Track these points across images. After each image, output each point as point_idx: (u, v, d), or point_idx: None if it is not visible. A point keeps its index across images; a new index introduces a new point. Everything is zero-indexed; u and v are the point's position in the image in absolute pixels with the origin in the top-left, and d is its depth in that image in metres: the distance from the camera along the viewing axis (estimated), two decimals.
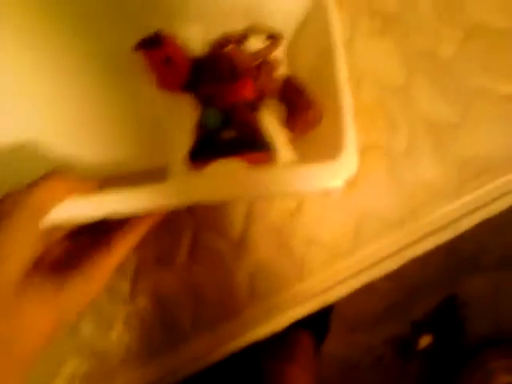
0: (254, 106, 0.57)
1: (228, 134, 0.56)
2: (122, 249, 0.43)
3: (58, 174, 0.39)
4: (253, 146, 0.54)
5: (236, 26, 0.59)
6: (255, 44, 0.61)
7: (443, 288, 0.88)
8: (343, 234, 0.64)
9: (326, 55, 0.54)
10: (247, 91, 0.55)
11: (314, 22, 0.57)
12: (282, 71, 0.60)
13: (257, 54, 0.56)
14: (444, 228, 0.63)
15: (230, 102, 0.55)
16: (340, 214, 0.64)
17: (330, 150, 0.53)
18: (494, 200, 0.62)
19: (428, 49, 0.69)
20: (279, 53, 0.58)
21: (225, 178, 0.46)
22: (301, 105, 0.56)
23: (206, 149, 0.56)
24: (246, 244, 0.63)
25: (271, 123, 0.55)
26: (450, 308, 0.95)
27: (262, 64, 0.57)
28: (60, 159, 0.57)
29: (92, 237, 0.44)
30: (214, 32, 0.60)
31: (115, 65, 0.58)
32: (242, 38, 0.58)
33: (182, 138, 0.56)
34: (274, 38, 0.57)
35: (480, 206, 0.62)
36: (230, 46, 0.60)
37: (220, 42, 0.58)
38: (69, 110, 0.57)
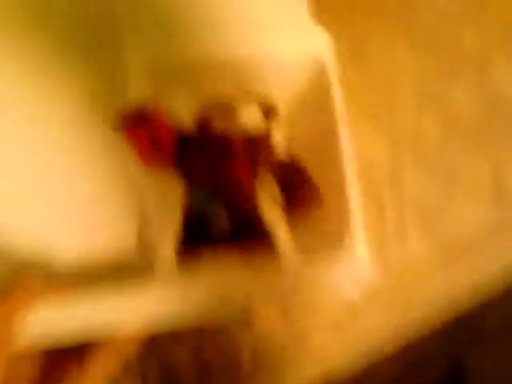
0: (248, 188, 0.51)
1: (220, 219, 0.50)
2: (95, 375, 0.36)
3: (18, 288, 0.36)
4: (249, 232, 0.48)
5: (225, 90, 0.54)
6: (247, 115, 0.55)
7: (446, 358, 0.83)
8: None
9: (329, 137, 0.50)
10: (241, 173, 0.50)
11: (315, 96, 0.52)
12: (278, 148, 0.54)
13: (251, 129, 0.51)
14: (434, 305, 0.62)
15: (222, 185, 0.49)
16: None
17: (333, 242, 0.48)
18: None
19: (414, 131, 0.67)
20: (274, 128, 0.53)
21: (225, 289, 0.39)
22: (300, 185, 0.51)
23: (196, 235, 0.49)
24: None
25: (268, 206, 0.49)
26: (455, 379, 0.90)
27: (257, 140, 0.51)
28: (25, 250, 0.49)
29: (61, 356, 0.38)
30: (202, 98, 0.54)
31: (93, 140, 0.51)
32: (232, 106, 0.53)
33: (169, 223, 0.49)
34: (269, 111, 0.51)
35: (468, 282, 0.62)
36: (219, 119, 0.54)
37: (207, 110, 0.52)
38: (38, 191, 0.50)
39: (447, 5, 0.67)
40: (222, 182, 0.49)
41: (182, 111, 0.54)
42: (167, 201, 0.49)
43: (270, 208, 0.49)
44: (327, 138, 0.50)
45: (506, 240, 0.64)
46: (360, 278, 0.48)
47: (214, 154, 0.48)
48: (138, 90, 0.50)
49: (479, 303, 0.66)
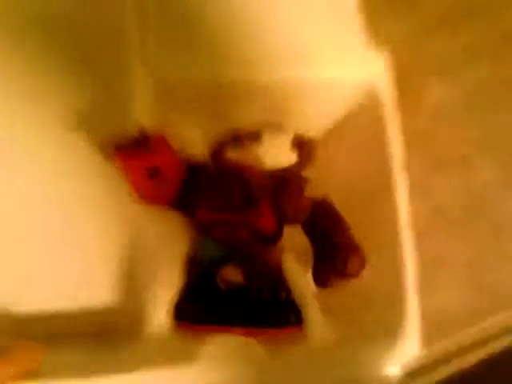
0: (270, 242, 0.39)
1: (231, 282, 0.39)
2: None
3: None
4: (271, 313, 0.36)
5: (248, 119, 0.42)
6: (273, 146, 0.44)
7: None
8: None
9: (380, 177, 0.38)
10: (266, 222, 0.38)
11: (364, 131, 0.40)
12: (309, 191, 0.42)
13: (277, 165, 0.39)
14: None
15: (238, 235, 0.38)
16: None
17: (381, 323, 0.35)
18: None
19: None
20: (308, 164, 0.41)
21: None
22: (337, 243, 0.39)
23: (199, 301, 0.38)
24: None
25: (296, 272, 0.38)
26: None
27: (286, 182, 0.40)
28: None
29: None
30: (215, 129, 0.42)
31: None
32: (253, 137, 0.41)
33: (166, 280, 0.37)
34: (303, 144, 0.40)
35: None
36: (238, 150, 0.43)
37: (222, 143, 0.41)
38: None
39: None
40: (238, 229, 0.38)
41: (194, 140, 0.43)
42: (168, 249, 0.38)
43: (299, 275, 0.37)
44: (377, 184, 0.38)
45: None
46: (407, 359, 0.36)
47: (233, 196, 0.36)
48: (143, 112, 0.40)
49: None
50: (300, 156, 0.40)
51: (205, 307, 0.37)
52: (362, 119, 0.41)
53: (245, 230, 0.38)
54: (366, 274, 0.39)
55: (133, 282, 0.40)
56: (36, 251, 0.39)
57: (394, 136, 0.39)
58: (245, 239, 0.38)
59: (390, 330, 0.36)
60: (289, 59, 0.39)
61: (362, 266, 0.39)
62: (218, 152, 0.41)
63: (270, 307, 0.36)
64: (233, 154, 0.43)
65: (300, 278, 0.37)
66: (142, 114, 0.41)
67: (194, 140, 0.42)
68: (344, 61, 0.40)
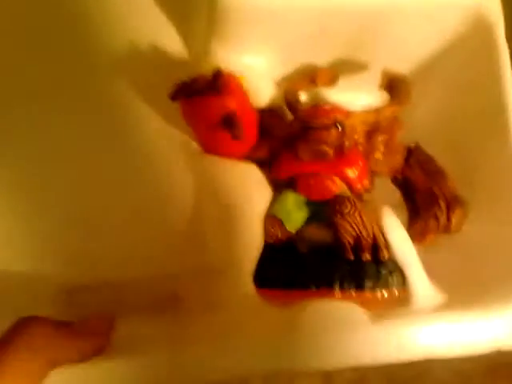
0: (361, 198, 0.35)
1: (315, 242, 0.34)
2: None
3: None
4: (364, 273, 0.32)
5: (319, 57, 0.36)
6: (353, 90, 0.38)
7: None
8: None
9: (488, 119, 0.32)
10: (358, 175, 0.33)
11: (466, 59, 0.34)
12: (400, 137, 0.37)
13: (369, 113, 0.34)
14: None
15: (327, 192, 0.33)
16: None
17: (493, 285, 0.31)
18: None
19: None
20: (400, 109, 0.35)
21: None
22: (438, 195, 0.34)
23: (280, 264, 0.33)
24: None
25: (398, 228, 0.33)
26: None
27: (375, 131, 0.34)
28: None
29: None
30: (287, 66, 0.37)
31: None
32: (330, 79, 0.36)
33: (245, 241, 0.33)
34: (395, 82, 0.34)
35: None
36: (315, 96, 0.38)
37: (296, 87, 0.35)
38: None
39: None
40: (327, 184, 0.33)
41: (264, 81, 0.37)
42: (245, 206, 0.33)
43: (401, 232, 0.33)
44: (484, 127, 0.33)
45: None
46: None
47: (323, 145, 0.31)
48: (209, 47, 0.34)
49: None
50: (393, 96, 0.34)
51: (290, 270, 0.32)
52: (466, 49, 0.35)
53: (335, 183, 0.32)
54: (471, 228, 0.34)
55: (206, 242, 0.36)
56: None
57: (504, 68, 0.33)
58: (335, 193, 0.32)
59: (506, 292, 0.31)
60: None
61: (465, 219, 0.34)
62: (293, 97, 0.35)
63: (369, 268, 0.31)
64: (309, 100, 0.38)
65: (402, 234, 0.32)
66: (205, 54, 0.36)
67: (264, 84, 0.37)
68: None
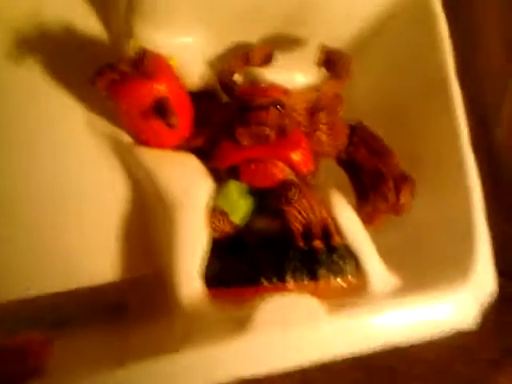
0: (307, 181, 0.33)
1: (262, 232, 0.32)
2: None
3: None
4: (317, 260, 0.30)
5: (254, 34, 0.35)
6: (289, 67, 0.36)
7: None
8: None
9: (429, 90, 0.32)
10: (302, 158, 0.31)
11: (404, 31, 0.33)
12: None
13: (309, 91, 0.32)
14: None
15: (271, 178, 0.31)
16: None
17: (446, 263, 0.30)
18: None
19: None
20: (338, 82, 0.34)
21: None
22: (385, 173, 0.33)
23: (230, 261, 0.31)
24: None
25: (348, 211, 0.31)
26: None
27: (317, 109, 0.33)
28: None
29: None
30: (219, 45, 0.35)
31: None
32: (265, 57, 0.33)
33: (190, 240, 0.30)
34: (334, 58, 0.32)
35: None
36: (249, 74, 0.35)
37: (231, 68, 0.33)
38: None
39: None
40: (269, 169, 0.31)
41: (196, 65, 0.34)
42: (187, 200, 0.30)
43: (351, 215, 0.31)
44: (427, 100, 0.32)
45: None
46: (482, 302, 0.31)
47: (260, 123, 0.29)
48: (131, 26, 0.31)
49: None
50: (332, 72, 0.32)
51: (239, 266, 0.30)
52: (403, 20, 0.33)
53: (279, 168, 0.30)
54: (418, 205, 0.34)
55: (148, 245, 0.32)
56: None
57: (443, 40, 0.32)
58: (280, 179, 0.30)
59: (458, 269, 0.31)
60: None
61: (413, 196, 0.33)
62: (228, 78, 0.32)
63: (322, 255, 0.29)
64: (245, 80, 0.35)
65: (353, 217, 0.31)
66: (127, 34, 0.33)
67: (196, 65, 0.34)
68: None
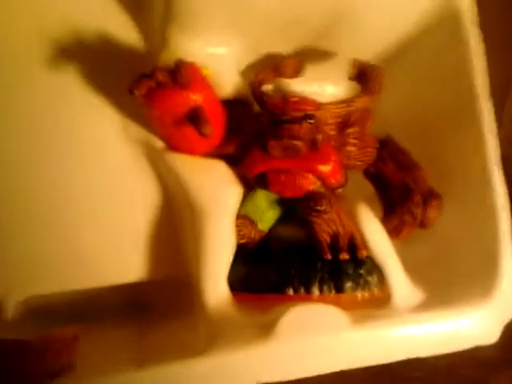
0: (335, 193, 0.33)
1: (292, 242, 0.33)
2: None
3: None
4: (343, 273, 0.30)
5: (287, 45, 0.36)
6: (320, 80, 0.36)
7: None
8: None
9: (459, 108, 0.32)
10: (332, 170, 0.31)
11: (436, 47, 0.33)
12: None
13: (340, 105, 0.32)
14: None
15: (300, 189, 0.31)
16: None
17: (470, 279, 0.30)
18: None
19: None
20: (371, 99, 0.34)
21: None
22: (413, 188, 0.33)
23: (255, 266, 0.31)
24: None
25: (374, 225, 0.32)
26: None
27: (347, 123, 0.33)
28: None
29: None
30: (252, 55, 0.36)
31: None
32: (296, 69, 0.34)
33: (217, 245, 0.31)
34: (366, 71, 0.33)
35: None
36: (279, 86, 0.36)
37: (258, 79, 0.33)
38: None
39: None
40: (300, 181, 0.31)
41: (229, 72, 0.35)
42: (216, 206, 0.31)
43: (378, 228, 0.31)
44: (456, 116, 0.32)
45: None
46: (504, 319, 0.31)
47: (296, 140, 0.30)
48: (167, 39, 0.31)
49: None
50: (364, 87, 0.33)
51: (267, 273, 0.31)
52: (436, 37, 0.34)
53: (309, 180, 0.31)
54: (445, 220, 0.34)
55: (175, 249, 0.33)
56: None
57: (477, 57, 0.32)
58: (309, 190, 0.31)
59: (482, 286, 0.31)
60: None
61: (439, 212, 0.33)
62: (259, 89, 0.33)
63: (348, 268, 0.30)
64: (276, 91, 0.36)
65: (380, 231, 0.31)
66: (163, 44, 0.33)
67: (229, 74, 0.34)
68: None
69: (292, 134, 0.29)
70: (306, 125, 0.30)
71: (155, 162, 0.34)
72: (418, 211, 0.33)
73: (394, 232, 0.34)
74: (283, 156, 0.31)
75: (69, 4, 0.33)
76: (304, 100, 0.31)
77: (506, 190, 0.33)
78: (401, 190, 0.34)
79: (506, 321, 0.31)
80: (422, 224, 0.33)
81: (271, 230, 0.33)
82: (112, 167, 0.33)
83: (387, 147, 0.35)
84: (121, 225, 0.33)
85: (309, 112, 0.30)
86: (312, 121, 0.30)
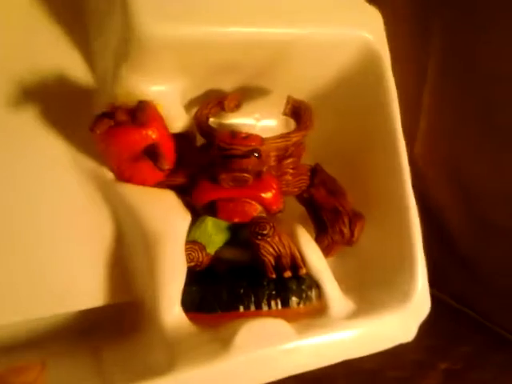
0: (276, 218, 0.38)
1: (236, 263, 0.37)
2: None
3: None
4: (288, 289, 0.35)
5: (228, 83, 0.39)
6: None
7: None
8: None
9: (377, 139, 0.38)
10: (274, 198, 0.36)
11: (357, 88, 0.39)
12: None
13: (280, 139, 0.37)
14: None
15: (247, 215, 0.35)
16: None
17: (391, 286, 0.36)
18: None
19: None
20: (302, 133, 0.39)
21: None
22: (341, 211, 0.38)
23: (205, 287, 0.35)
24: None
25: (311, 244, 0.36)
26: None
27: (285, 154, 0.38)
28: None
29: None
30: (196, 92, 0.40)
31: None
32: (236, 105, 0.38)
33: (170, 268, 0.34)
34: (300, 109, 0.38)
35: None
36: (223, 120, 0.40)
37: (202, 113, 0.37)
38: None
39: None
40: (244, 208, 0.35)
41: (175, 107, 0.38)
42: (166, 232, 0.34)
43: (314, 247, 0.36)
44: (375, 144, 0.38)
45: None
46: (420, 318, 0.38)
47: (241, 171, 0.33)
48: (118, 75, 0.34)
49: None
50: (299, 122, 0.37)
51: (218, 294, 0.34)
52: (357, 79, 0.39)
53: (254, 207, 0.35)
54: (367, 237, 0.39)
55: (131, 274, 0.35)
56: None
57: (393, 95, 0.39)
58: (253, 216, 0.35)
59: (401, 295, 0.37)
60: (275, 15, 0.36)
61: (363, 230, 0.39)
62: (205, 123, 0.37)
63: (292, 285, 0.34)
64: (221, 127, 0.40)
65: (316, 250, 0.36)
66: (114, 82, 0.36)
67: (176, 110, 0.37)
68: (337, 14, 0.38)
69: (242, 167, 0.33)
70: (253, 159, 0.33)
71: (106, 193, 0.36)
72: (346, 231, 0.38)
73: (326, 250, 0.38)
74: (232, 187, 0.34)
75: (22, 41, 0.33)
76: (251, 136, 0.35)
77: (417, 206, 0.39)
78: (331, 213, 0.39)
79: (421, 320, 0.37)
80: (349, 242, 0.38)
81: (218, 252, 0.37)
82: (61, 196, 0.35)
83: (318, 175, 0.40)
84: (74, 254, 0.34)
85: (256, 147, 0.34)
86: (258, 155, 0.34)
